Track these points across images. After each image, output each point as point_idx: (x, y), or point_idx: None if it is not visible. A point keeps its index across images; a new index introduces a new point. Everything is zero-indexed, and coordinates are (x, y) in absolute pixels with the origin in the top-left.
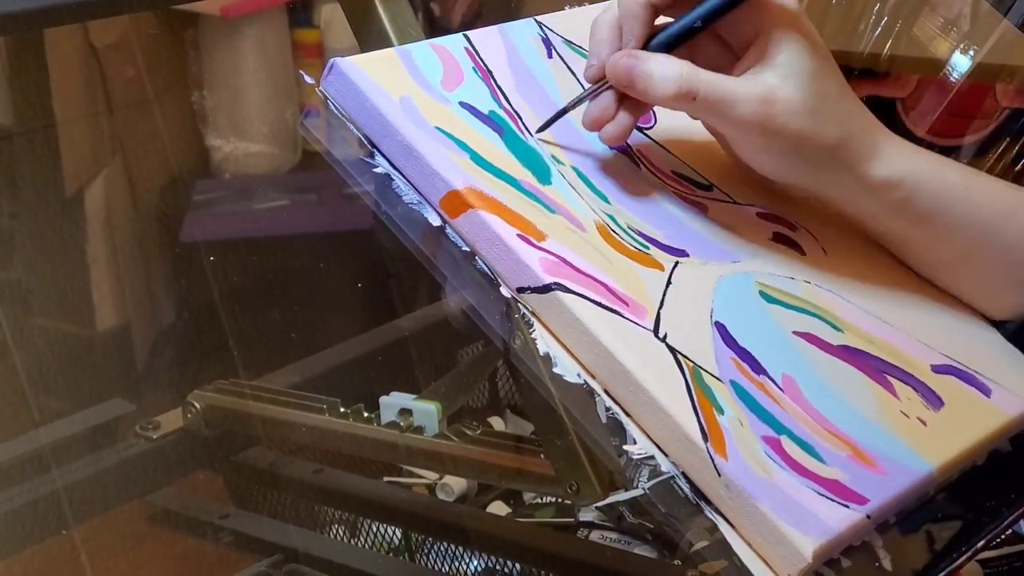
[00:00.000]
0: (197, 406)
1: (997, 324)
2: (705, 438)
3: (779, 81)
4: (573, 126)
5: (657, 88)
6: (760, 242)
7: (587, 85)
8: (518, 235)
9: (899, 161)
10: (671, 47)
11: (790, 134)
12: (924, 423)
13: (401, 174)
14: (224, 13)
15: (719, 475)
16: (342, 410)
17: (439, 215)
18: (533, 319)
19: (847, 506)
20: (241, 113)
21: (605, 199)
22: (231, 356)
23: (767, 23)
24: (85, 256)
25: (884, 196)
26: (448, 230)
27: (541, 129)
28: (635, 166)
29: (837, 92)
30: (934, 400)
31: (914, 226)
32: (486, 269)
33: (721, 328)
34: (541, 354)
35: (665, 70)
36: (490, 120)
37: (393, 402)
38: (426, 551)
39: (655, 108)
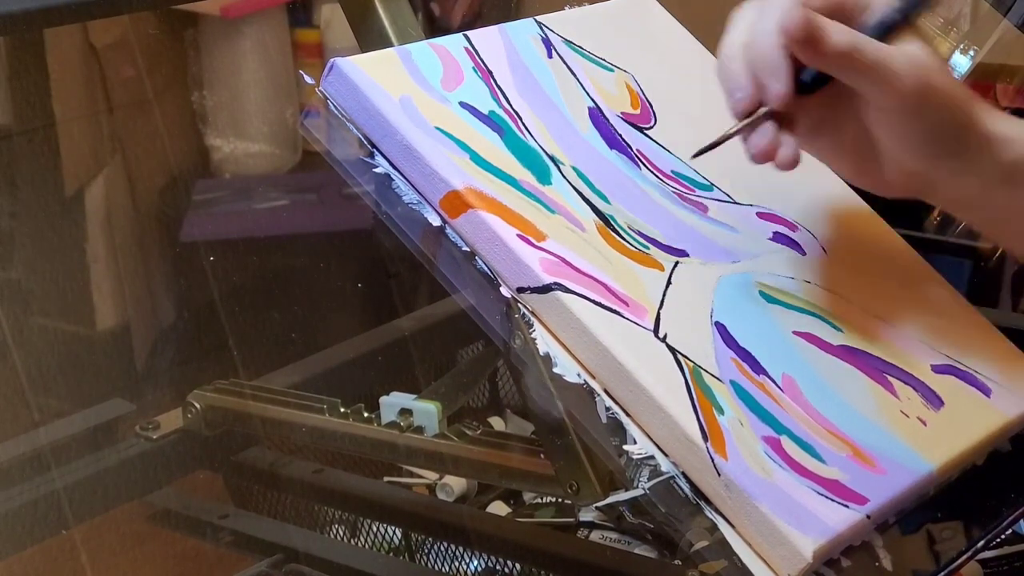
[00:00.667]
0: (197, 406)
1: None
2: (705, 438)
3: (914, 48)
4: (571, 125)
5: (832, 38)
6: (760, 242)
7: (732, 121)
8: (518, 235)
9: (1007, 119)
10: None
11: (943, 92)
12: (924, 423)
13: (401, 174)
14: (224, 13)
15: (719, 475)
16: (342, 410)
17: (439, 215)
18: (533, 319)
19: (847, 506)
20: (241, 113)
21: (605, 199)
22: (231, 356)
23: None
24: (85, 256)
25: (1001, 155)
26: (448, 230)
27: (697, 155)
28: (635, 166)
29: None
30: (934, 400)
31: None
32: (486, 269)
33: (721, 328)
34: (541, 354)
35: (837, 25)
36: (490, 120)
37: (393, 402)
38: (426, 551)
39: (654, 106)
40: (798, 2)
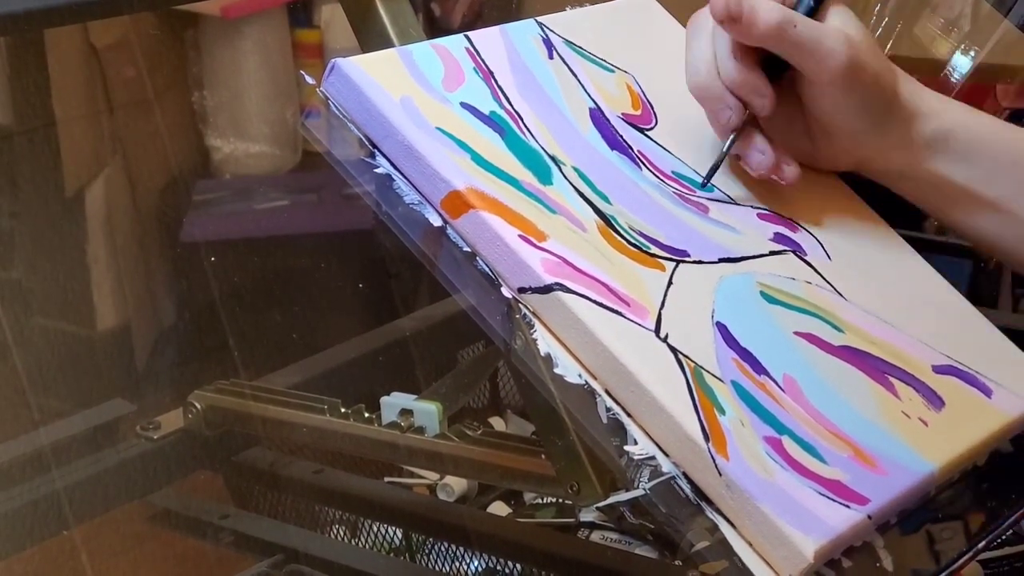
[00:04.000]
0: (198, 406)
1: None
2: (706, 438)
3: (847, 28)
4: (573, 126)
5: (762, 16)
6: (761, 242)
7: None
8: (519, 235)
9: (939, 99)
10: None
11: (871, 68)
12: (925, 423)
13: (402, 174)
14: (225, 13)
15: (720, 475)
16: (343, 410)
17: (440, 215)
18: (534, 319)
19: (848, 506)
20: (242, 113)
21: (606, 199)
22: (232, 356)
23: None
24: (85, 256)
25: (923, 127)
26: (449, 230)
27: (705, 182)
28: (636, 166)
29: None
30: (935, 400)
31: (953, 165)
32: (487, 269)
33: (722, 328)
34: (542, 354)
35: (766, 4)
36: (491, 120)
37: (394, 402)
38: (427, 551)
39: (655, 107)
40: None
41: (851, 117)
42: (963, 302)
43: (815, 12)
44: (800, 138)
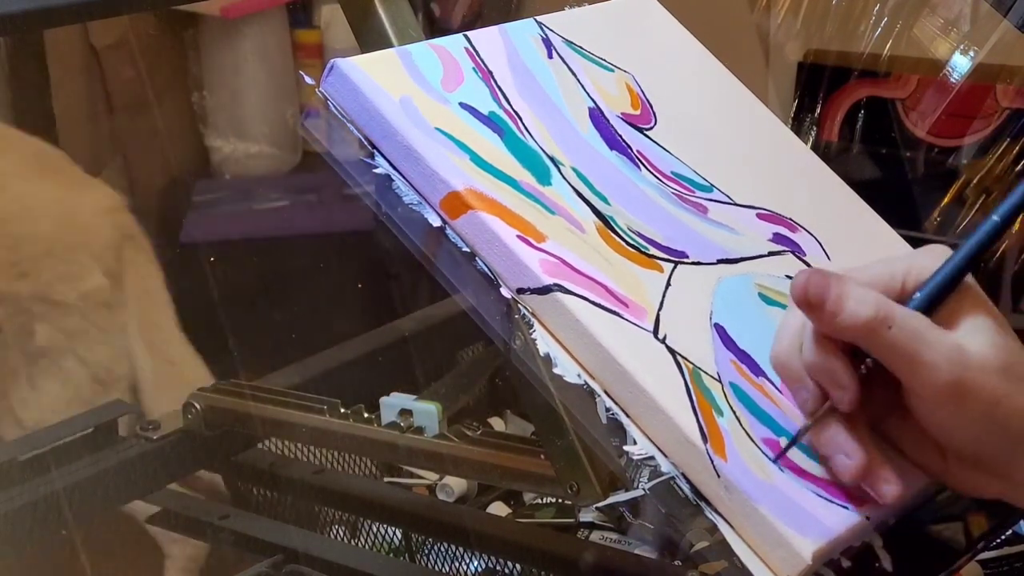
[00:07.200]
0: (197, 407)
1: None
2: (704, 439)
3: (967, 339)
4: (572, 126)
5: (851, 308)
6: (760, 243)
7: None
8: (518, 236)
9: None
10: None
11: (985, 395)
12: None
13: (401, 175)
14: (224, 14)
15: (718, 476)
16: (342, 411)
17: (439, 216)
18: (533, 320)
19: (847, 507)
20: (241, 114)
21: (605, 200)
22: (231, 356)
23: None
24: None
25: None
26: (448, 231)
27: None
28: (635, 167)
29: (1021, 354)
30: None
31: None
32: (486, 270)
33: (720, 330)
34: (541, 355)
35: (861, 293)
36: (490, 121)
37: (393, 403)
38: (426, 552)
39: (654, 107)
40: (824, 273)
41: (967, 443)
42: None
43: (933, 311)
44: (928, 450)
